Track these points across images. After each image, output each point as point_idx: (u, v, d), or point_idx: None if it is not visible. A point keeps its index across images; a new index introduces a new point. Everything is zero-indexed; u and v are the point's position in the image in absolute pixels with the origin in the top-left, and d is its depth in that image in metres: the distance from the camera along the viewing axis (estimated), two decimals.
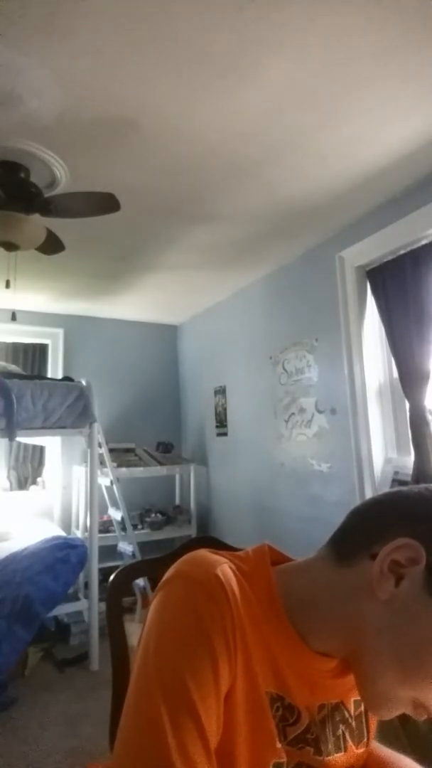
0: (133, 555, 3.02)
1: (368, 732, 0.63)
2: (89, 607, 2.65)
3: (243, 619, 0.52)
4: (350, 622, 0.53)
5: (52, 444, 3.67)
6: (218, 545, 0.81)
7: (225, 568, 0.55)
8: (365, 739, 0.62)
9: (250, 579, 0.56)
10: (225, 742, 0.49)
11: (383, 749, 0.69)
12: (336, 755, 0.58)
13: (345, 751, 0.59)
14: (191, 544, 0.82)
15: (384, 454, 2.32)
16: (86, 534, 2.86)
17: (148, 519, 3.61)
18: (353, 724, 0.61)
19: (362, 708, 0.63)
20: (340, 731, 0.59)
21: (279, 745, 0.52)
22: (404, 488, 0.57)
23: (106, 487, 3.29)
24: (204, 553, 0.58)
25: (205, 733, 0.45)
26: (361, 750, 0.62)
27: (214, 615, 0.50)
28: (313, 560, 0.60)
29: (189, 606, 0.51)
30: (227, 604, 0.51)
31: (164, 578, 0.55)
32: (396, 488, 0.59)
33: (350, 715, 0.61)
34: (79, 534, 3.30)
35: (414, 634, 0.49)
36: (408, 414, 2.11)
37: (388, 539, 0.51)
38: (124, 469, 3.41)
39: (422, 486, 0.56)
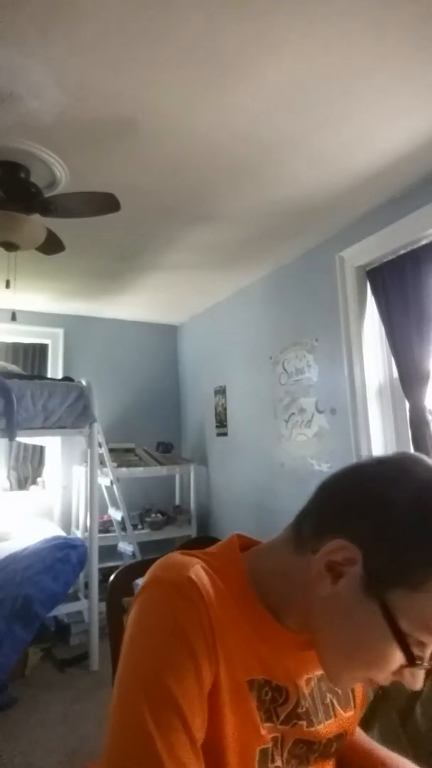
0: (133, 555, 3.02)
1: (354, 696, 0.67)
2: (89, 607, 2.65)
3: (219, 615, 0.53)
4: (305, 608, 0.56)
5: (52, 444, 3.67)
6: None
7: (197, 568, 0.56)
8: (352, 703, 0.66)
9: (222, 573, 0.58)
10: (213, 737, 0.50)
11: (383, 749, 0.70)
12: (327, 722, 0.61)
13: (335, 717, 0.62)
14: (191, 544, 0.82)
15: (384, 454, 2.32)
16: (86, 534, 2.86)
17: (148, 519, 3.61)
18: (339, 690, 0.64)
19: None
20: (328, 699, 0.63)
21: (263, 732, 0.54)
22: (374, 463, 0.58)
23: (106, 487, 3.29)
24: (176, 556, 0.59)
25: (191, 730, 0.46)
26: (349, 713, 0.65)
27: (190, 615, 0.51)
28: (278, 541, 0.62)
29: (165, 609, 0.52)
30: (202, 602, 0.52)
31: (141, 585, 0.56)
32: (368, 461, 0.59)
33: None
34: (79, 534, 3.30)
35: (352, 629, 0.51)
36: (408, 414, 2.11)
37: (329, 536, 0.53)
38: (124, 469, 3.41)
39: (396, 459, 0.57)
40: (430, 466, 0.53)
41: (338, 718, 0.63)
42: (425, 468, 0.53)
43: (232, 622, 0.55)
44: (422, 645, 0.49)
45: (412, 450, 2.07)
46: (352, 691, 0.67)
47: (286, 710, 0.57)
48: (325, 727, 0.60)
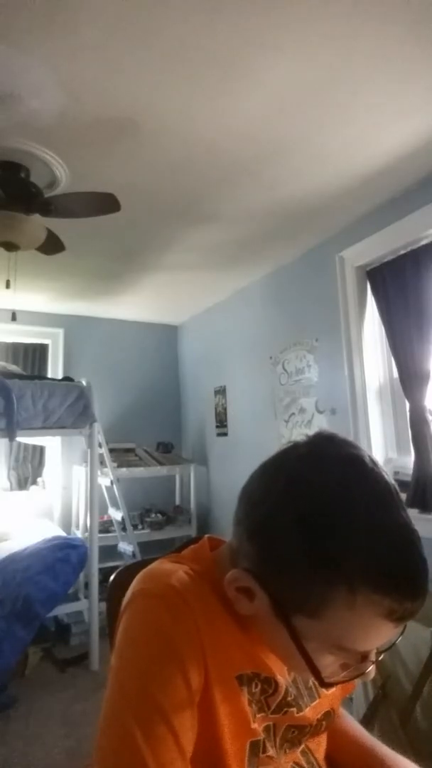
0: (133, 555, 3.02)
1: None
2: (89, 607, 2.65)
3: (205, 617, 0.54)
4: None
5: (52, 444, 3.67)
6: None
7: (179, 574, 0.56)
8: None
9: (205, 575, 0.59)
10: (210, 735, 0.51)
11: (383, 747, 0.70)
12: (311, 704, 0.63)
13: (319, 697, 0.65)
14: (191, 544, 0.82)
15: (384, 454, 2.32)
16: (86, 534, 2.86)
17: (148, 519, 3.61)
18: None
19: None
20: (310, 682, 0.65)
21: (254, 726, 0.55)
22: (272, 476, 0.55)
23: (106, 487, 3.29)
24: (158, 566, 0.60)
25: (181, 741, 0.46)
26: (331, 690, 0.66)
27: (176, 624, 0.52)
28: (226, 546, 0.63)
29: (151, 622, 0.53)
30: (187, 608, 0.53)
31: (126, 600, 0.57)
32: (269, 469, 0.57)
33: None
34: (79, 534, 3.30)
35: (278, 643, 0.53)
36: (408, 414, 2.11)
37: (238, 560, 0.55)
38: (124, 469, 3.41)
39: (295, 462, 0.54)
40: (323, 472, 0.50)
41: (322, 698, 0.65)
42: (318, 476, 0.50)
43: (219, 622, 0.56)
44: (346, 653, 0.51)
45: (412, 450, 2.07)
46: None
47: (276, 700, 0.59)
48: (312, 709, 0.63)
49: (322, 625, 0.48)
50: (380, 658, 0.53)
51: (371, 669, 0.52)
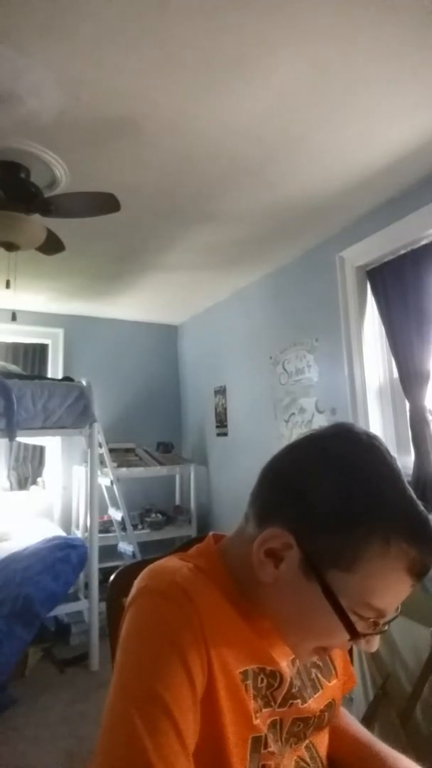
0: (133, 555, 3.02)
1: (334, 665, 0.71)
2: (89, 607, 2.65)
3: (209, 613, 0.54)
4: (260, 596, 0.58)
5: (52, 444, 3.66)
6: None
7: (183, 571, 0.58)
8: (334, 672, 0.70)
9: (209, 572, 0.60)
10: (213, 731, 0.52)
11: (383, 746, 0.71)
12: (315, 696, 0.64)
13: (322, 689, 0.66)
14: (191, 544, 0.82)
15: None
16: (86, 534, 2.86)
17: (148, 519, 3.61)
18: (320, 663, 0.68)
19: None
20: (313, 674, 0.67)
21: (256, 722, 0.56)
22: (305, 444, 0.60)
23: (106, 487, 3.28)
24: (163, 563, 0.61)
25: (182, 735, 0.47)
26: (333, 682, 0.69)
27: (179, 621, 0.53)
28: (236, 533, 0.64)
29: (154, 618, 0.54)
30: (190, 605, 0.54)
31: (130, 596, 0.57)
32: (302, 442, 0.61)
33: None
34: (79, 534, 3.30)
35: (299, 608, 0.55)
36: (408, 414, 2.11)
37: (266, 525, 0.56)
38: (124, 469, 3.41)
39: (324, 438, 0.59)
40: (353, 445, 0.56)
41: (325, 689, 0.66)
42: (349, 448, 0.56)
43: (224, 618, 0.57)
44: (368, 612, 0.52)
45: (412, 450, 2.07)
46: (332, 660, 0.70)
47: (281, 693, 0.60)
48: (315, 701, 0.64)
49: (354, 578, 0.51)
50: (385, 635, 0.55)
51: (377, 639, 0.56)
